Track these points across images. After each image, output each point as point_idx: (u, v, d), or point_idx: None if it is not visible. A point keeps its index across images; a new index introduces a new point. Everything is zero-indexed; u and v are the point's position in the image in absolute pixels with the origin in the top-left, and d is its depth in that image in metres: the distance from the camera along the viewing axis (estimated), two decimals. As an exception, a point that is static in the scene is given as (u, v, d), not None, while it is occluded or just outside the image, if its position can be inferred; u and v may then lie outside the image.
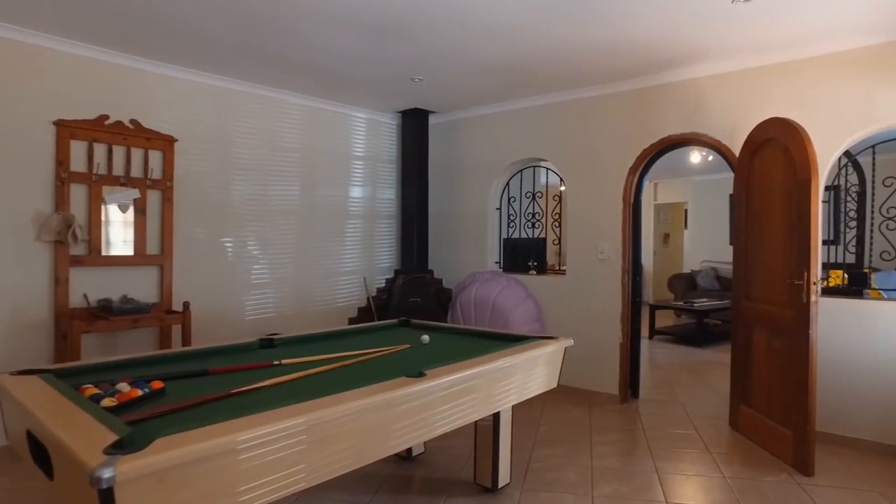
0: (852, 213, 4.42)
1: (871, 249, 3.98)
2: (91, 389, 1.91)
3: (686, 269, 10.37)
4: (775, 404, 3.50)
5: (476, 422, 2.85)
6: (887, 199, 3.94)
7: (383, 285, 5.92)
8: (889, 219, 3.87)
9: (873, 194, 4.14)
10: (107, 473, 1.24)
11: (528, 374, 2.79)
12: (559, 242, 5.62)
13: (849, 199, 4.35)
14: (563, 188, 5.22)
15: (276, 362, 2.54)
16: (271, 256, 5.03)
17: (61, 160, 3.76)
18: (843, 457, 3.48)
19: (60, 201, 3.76)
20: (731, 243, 4.25)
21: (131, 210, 4.10)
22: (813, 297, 3.18)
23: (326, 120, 5.44)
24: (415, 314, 5.16)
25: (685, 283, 9.30)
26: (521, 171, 5.69)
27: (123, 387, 1.94)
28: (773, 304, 3.55)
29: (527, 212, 5.68)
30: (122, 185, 4.04)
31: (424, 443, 3.53)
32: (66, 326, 3.61)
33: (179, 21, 3.44)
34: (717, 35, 3.61)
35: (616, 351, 4.70)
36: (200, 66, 4.31)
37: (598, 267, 4.83)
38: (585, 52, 3.97)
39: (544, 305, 5.15)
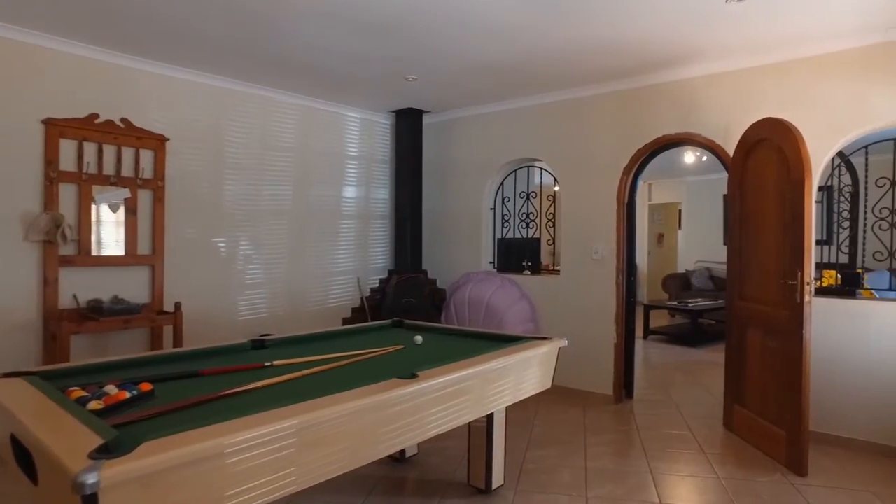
0: (845, 214, 4.44)
1: (863, 249, 4.00)
2: (78, 392, 1.87)
3: (680, 269, 10.39)
4: (769, 404, 3.51)
5: (470, 423, 2.83)
6: (880, 199, 3.95)
7: (377, 285, 5.90)
8: (882, 219, 3.88)
9: (866, 195, 4.15)
10: (90, 479, 1.21)
11: (521, 374, 2.78)
12: (553, 242, 5.61)
13: (842, 199, 4.37)
14: (557, 188, 5.21)
15: (268, 363, 2.51)
16: (264, 256, 4.99)
17: (50, 159, 3.72)
18: (836, 457, 3.48)
19: (49, 201, 3.72)
20: (724, 243, 4.26)
21: (122, 210, 4.07)
22: (806, 298, 3.18)
23: (320, 119, 5.41)
24: (409, 314, 5.13)
25: (679, 284, 9.32)
26: (515, 171, 5.67)
27: (111, 389, 1.90)
28: (767, 304, 3.55)
29: (521, 212, 5.67)
30: (112, 184, 4.00)
31: (418, 444, 3.51)
32: (54, 327, 3.57)
33: (171, 20, 3.41)
34: (711, 35, 3.61)
35: (610, 351, 4.70)
36: (193, 64, 4.28)
37: (593, 267, 4.82)
38: (580, 52, 3.96)
39: (538, 306, 5.14)
